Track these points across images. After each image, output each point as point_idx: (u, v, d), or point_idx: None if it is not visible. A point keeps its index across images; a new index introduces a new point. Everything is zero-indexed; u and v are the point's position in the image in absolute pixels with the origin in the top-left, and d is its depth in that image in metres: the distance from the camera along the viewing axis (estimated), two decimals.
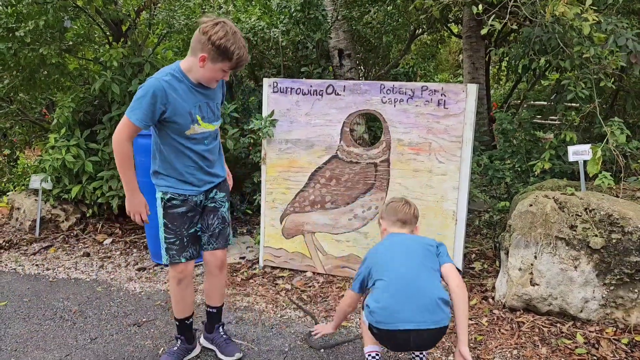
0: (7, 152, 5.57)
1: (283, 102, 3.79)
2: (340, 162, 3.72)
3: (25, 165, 5.76)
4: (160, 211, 2.55)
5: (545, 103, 6.23)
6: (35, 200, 4.87)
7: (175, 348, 2.74)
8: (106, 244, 4.62)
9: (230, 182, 2.87)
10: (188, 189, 2.54)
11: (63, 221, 4.91)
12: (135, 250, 4.50)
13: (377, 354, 2.49)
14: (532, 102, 7.38)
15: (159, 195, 2.54)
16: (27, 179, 5.12)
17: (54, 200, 4.84)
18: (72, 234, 4.82)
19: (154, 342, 2.98)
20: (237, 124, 5.06)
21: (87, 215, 4.95)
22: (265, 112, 3.82)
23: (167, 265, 2.60)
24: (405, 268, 2.32)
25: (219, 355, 2.82)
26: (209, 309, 2.87)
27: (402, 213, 2.58)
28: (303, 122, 3.77)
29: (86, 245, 4.59)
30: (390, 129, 3.57)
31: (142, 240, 4.67)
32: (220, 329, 2.88)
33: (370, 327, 2.32)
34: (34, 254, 4.41)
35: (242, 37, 2.36)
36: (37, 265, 4.17)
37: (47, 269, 4.08)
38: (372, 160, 3.66)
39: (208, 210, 2.67)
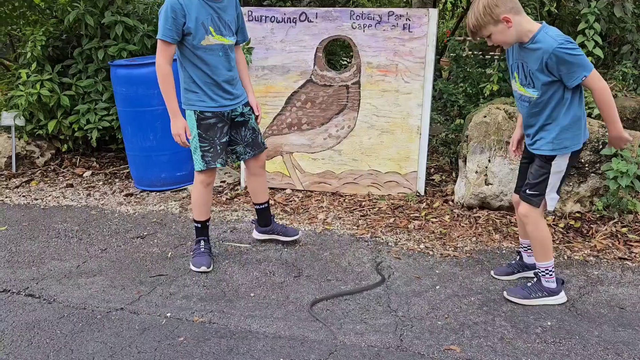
0: None
1: (258, 30, 4.02)
2: (315, 86, 4.05)
3: None
4: (194, 123, 2.84)
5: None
6: (8, 137, 4.91)
7: (203, 249, 3.06)
8: (87, 176, 4.78)
9: (258, 113, 3.12)
10: (212, 105, 2.83)
11: (38, 157, 5.00)
12: (117, 180, 4.70)
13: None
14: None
15: (190, 113, 2.84)
16: None
17: (27, 136, 4.91)
18: (49, 169, 4.94)
19: (161, 249, 3.31)
20: None
21: (62, 150, 5.06)
22: None
23: (200, 170, 2.95)
24: None
25: (284, 238, 3.30)
26: (259, 207, 3.24)
27: None
28: (278, 49, 4.03)
29: (67, 178, 4.74)
30: (360, 53, 3.91)
31: (122, 171, 4.86)
32: (274, 219, 3.34)
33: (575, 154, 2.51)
34: (17, 187, 4.53)
35: None
36: (23, 196, 4.32)
37: (36, 199, 4.25)
38: (344, 82, 4.00)
39: (238, 124, 2.99)
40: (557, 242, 3.36)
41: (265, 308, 2.62)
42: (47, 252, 3.27)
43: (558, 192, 2.59)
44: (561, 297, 2.66)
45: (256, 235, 3.37)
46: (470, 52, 5.09)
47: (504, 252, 3.26)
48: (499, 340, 2.36)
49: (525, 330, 2.43)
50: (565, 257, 3.19)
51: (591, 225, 3.51)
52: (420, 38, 3.78)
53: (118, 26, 4.35)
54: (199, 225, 3.07)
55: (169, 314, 2.56)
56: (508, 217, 3.68)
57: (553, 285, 2.65)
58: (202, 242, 3.08)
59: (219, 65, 2.80)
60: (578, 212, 3.63)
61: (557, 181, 2.55)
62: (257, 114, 3.10)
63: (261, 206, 3.25)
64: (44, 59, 4.69)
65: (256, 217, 3.32)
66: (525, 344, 2.33)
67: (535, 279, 2.71)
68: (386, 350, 2.28)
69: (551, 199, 2.57)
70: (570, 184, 3.58)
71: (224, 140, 2.93)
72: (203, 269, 2.97)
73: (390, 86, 3.92)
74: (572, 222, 3.55)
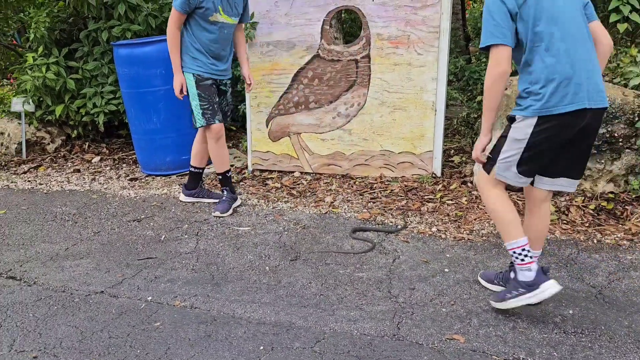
0: None
1: (262, 4, 3.80)
2: (322, 61, 3.80)
3: (2, 94, 5.68)
4: (193, 85, 3.21)
5: None
6: (19, 123, 4.86)
7: (224, 198, 3.43)
8: (95, 162, 4.69)
9: (250, 82, 3.50)
10: (208, 70, 3.24)
11: (49, 143, 4.94)
12: (124, 165, 4.59)
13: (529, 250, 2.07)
14: None
15: (189, 75, 3.22)
16: (8, 104, 5.08)
17: (37, 122, 4.85)
18: (59, 155, 4.87)
19: (156, 232, 3.14)
20: None
21: (73, 136, 4.98)
22: None
23: (202, 126, 3.30)
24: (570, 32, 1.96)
25: (208, 200, 3.59)
26: (195, 170, 3.54)
27: None
28: (283, 23, 3.81)
29: (75, 164, 4.66)
30: (369, 24, 3.64)
31: (130, 157, 4.75)
32: (203, 186, 3.68)
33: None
34: (24, 172, 4.47)
35: None
36: (29, 181, 4.25)
37: (40, 184, 4.17)
38: (352, 57, 3.74)
39: (221, 92, 3.41)
40: (587, 225, 3.03)
41: (253, 292, 2.41)
42: (39, 235, 3.16)
43: (520, 167, 2.01)
44: (541, 292, 1.98)
45: (183, 198, 3.63)
46: None
47: None
48: (510, 329, 2.08)
49: (542, 319, 2.14)
50: (595, 241, 2.86)
51: (626, 207, 3.16)
52: (433, 5, 3.48)
53: (121, 5, 4.21)
54: (221, 177, 3.43)
55: (149, 298, 2.38)
56: None
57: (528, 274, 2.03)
58: (225, 192, 3.45)
59: (218, 40, 3.20)
60: (611, 192, 3.27)
61: (511, 150, 2.01)
62: (249, 82, 3.48)
63: (200, 170, 3.55)
64: (51, 43, 4.61)
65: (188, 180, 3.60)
66: (541, 334, 2.04)
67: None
68: (380, 339, 2.04)
69: (502, 169, 2.06)
70: (602, 161, 3.23)
71: (217, 100, 3.29)
72: (217, 214, 3.32)
73: (402, 59, 3.64)
74: (604, 204, 3.20)
